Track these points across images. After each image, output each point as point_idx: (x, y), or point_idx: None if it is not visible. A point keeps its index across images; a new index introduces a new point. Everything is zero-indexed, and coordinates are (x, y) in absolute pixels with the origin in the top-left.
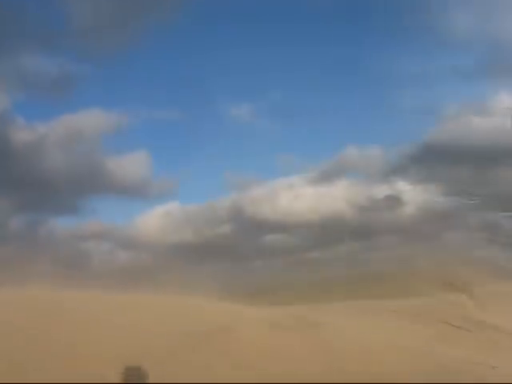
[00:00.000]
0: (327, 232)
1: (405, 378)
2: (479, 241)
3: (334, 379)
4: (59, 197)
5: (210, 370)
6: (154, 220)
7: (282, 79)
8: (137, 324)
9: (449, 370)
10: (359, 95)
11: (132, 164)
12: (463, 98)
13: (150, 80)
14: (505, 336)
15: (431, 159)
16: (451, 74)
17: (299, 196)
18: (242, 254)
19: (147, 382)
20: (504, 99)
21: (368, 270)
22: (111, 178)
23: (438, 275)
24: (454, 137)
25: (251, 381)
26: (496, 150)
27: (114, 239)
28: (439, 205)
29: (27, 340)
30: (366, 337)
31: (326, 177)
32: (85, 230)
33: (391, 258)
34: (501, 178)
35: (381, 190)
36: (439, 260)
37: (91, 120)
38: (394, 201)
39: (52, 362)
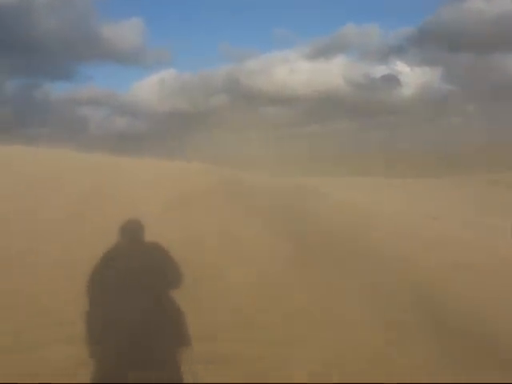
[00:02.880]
0: (323, 107)
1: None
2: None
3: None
4: (54, 62)
5: (197, 230)
6: (150, 87)
7: None
8: (128, 186)
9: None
10: None
11: (127, 31)
12: None
13: None
14: None
15: (431, 43)
16: None
17: (295, 70)
18: (236, 125)
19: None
20: None
21: (363, 149)
22: (107, 45)
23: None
24: (455, 21)
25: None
26: (498, 36)
27: (110, 105)
28: (437, 89)
29: None
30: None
31: (323, 53)
32: (81, 96)
33: (387, 138)
34: (501, 65)
35: (378, 70)
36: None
37: None
38: (392, 81)
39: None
